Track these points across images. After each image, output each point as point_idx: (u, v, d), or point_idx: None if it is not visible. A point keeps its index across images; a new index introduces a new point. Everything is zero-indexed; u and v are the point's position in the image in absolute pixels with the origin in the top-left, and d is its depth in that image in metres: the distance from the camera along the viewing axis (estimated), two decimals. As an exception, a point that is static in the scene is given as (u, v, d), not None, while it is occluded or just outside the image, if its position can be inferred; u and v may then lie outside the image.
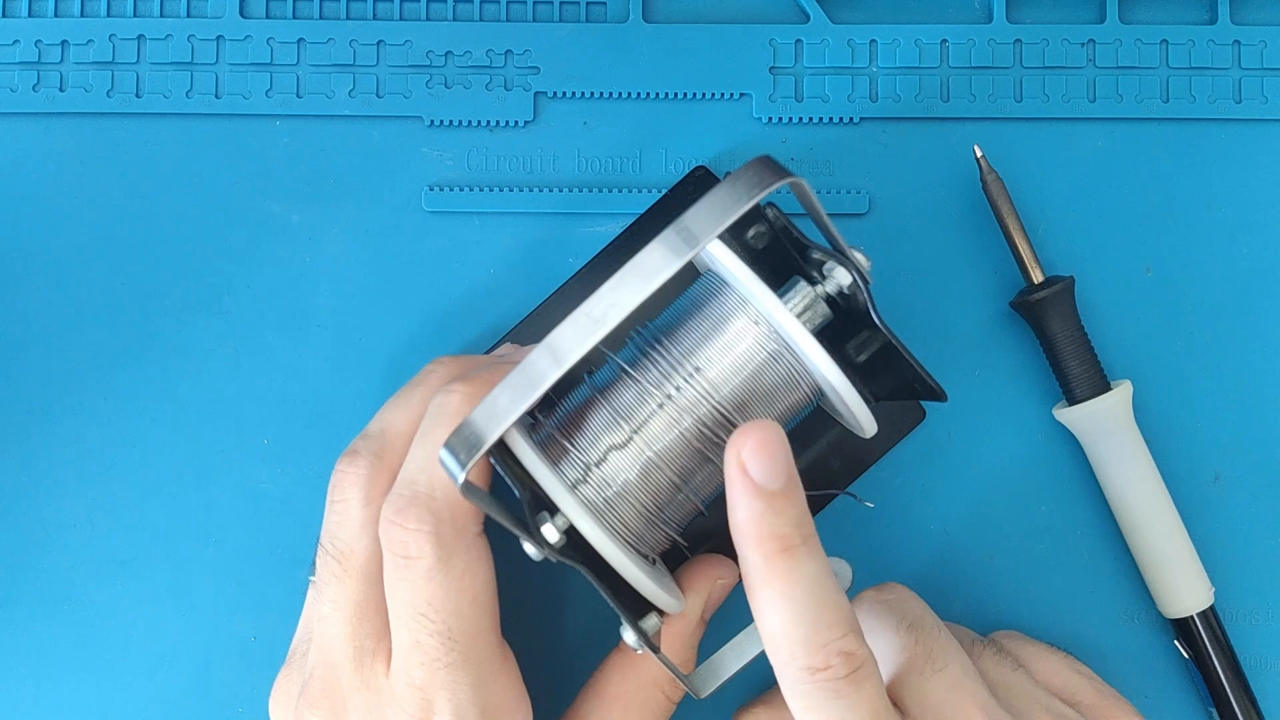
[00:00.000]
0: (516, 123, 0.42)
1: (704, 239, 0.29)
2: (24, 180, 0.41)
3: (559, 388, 0.30)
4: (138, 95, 0.41)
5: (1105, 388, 0.39)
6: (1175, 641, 0.40)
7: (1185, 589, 0.39)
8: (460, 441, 0.29)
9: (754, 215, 0.34)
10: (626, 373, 0.33)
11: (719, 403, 0.32)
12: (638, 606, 0.33)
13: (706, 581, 0.36)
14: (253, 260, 0.41)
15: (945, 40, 0.42)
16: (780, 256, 0.35)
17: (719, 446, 0.32)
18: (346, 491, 0.35)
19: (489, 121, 0.42)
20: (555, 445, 0.33)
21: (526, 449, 0.32)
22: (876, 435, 0.34)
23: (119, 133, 0.41)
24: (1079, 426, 0.40)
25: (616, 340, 0.31)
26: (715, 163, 0.41)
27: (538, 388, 0.29)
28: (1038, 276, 0.39)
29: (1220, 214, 0.41)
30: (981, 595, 0.40)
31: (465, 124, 0.42)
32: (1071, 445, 0.41)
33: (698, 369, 0.32)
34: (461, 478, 0.29)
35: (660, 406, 0.32)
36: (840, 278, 0.32)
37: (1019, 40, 0.42)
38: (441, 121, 0.41)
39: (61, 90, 0.41)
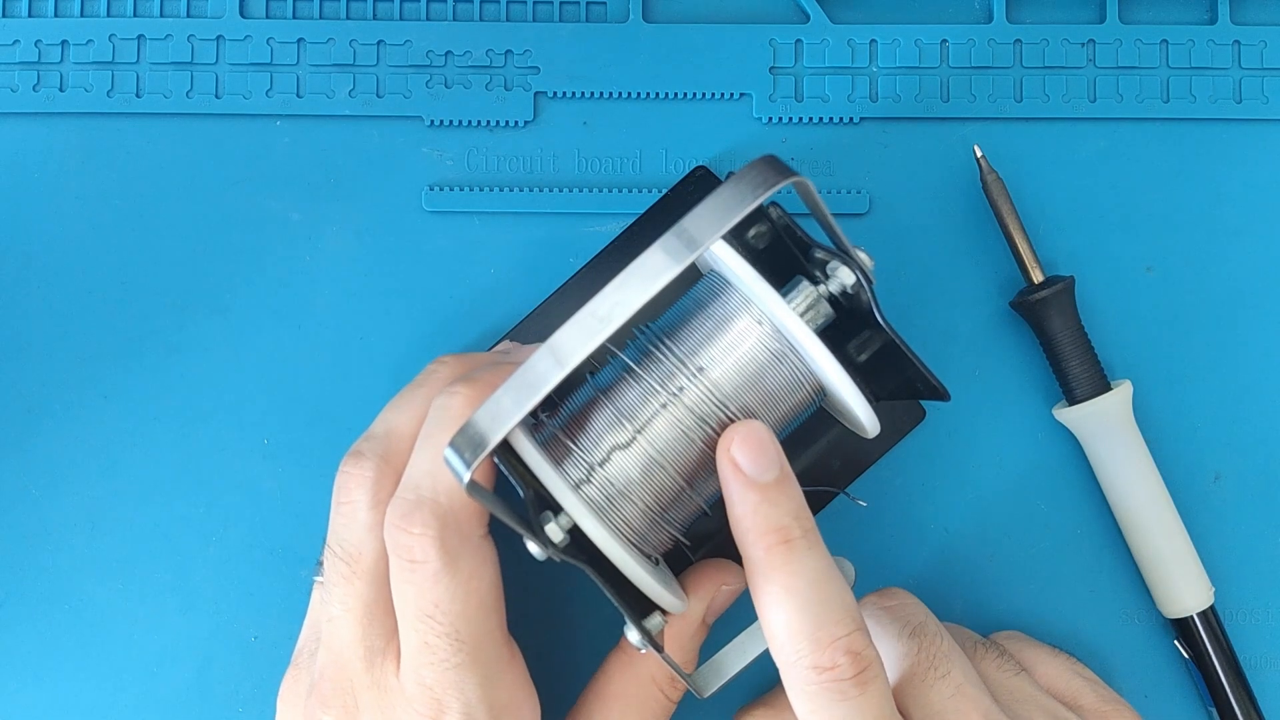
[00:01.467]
0: (516, 123, 0.42)
1: (708, 239, 0.29)
2: (24, 180, 0.41)
3: (562, 387, 0.30)
4: (138, 95, 0.41)
5: (1105, 388, 0.39)
6: (1175, 641, 0.40)
7: (1185, 589, 0.39)
8: (465, 442, 0.29)
9: (756, 214, 0.34)
10: (630, 372, 0.33)
11: (722, 402, 0.32)
12: (641, 606, 0.33)
13: (711, 585, 0.36)
14: (253, 260, 0.41)
15: (945, 40, 0.42)
16: (782, 256, 0.35)
17: (714, 445, 0.32)
18: (353, 493, 0.35)
19: (489, 121, 0.42)
20: (559, 445, 0.33)
21: (530, 449, 0.32)
22: (876, 435, 0.34)
23: (119, 133, 0.41)
24: (1079, 426, 0.40)
25: (619, 340, 0.31)
26: (715, 163, 0.41)
27: (542, 387, 0.29)
28: (1038, 276, 0.39)
29: (1220, 214, 0.41)
30: (982, 595, 0.40)
31: (465, 124, 0.42)
32: (1071, 445, 0.41)
33: (701, 369, 0.32)
34: (466, 478, 0.29)
35: (664, 406, 0.32)
36: (843, 277, 0.32)
37: (1019, 40, 0.42)
38: (441, 121, 0.41)
39: (61, 90, 0.41)
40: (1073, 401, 0.39)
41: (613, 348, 0.33)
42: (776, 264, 0.34)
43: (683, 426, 0.32)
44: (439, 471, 0.33)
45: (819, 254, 0.33)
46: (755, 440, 0.31)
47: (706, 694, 0.35)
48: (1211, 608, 0.39)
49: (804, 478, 0.38)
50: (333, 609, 0.35)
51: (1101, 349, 0.40)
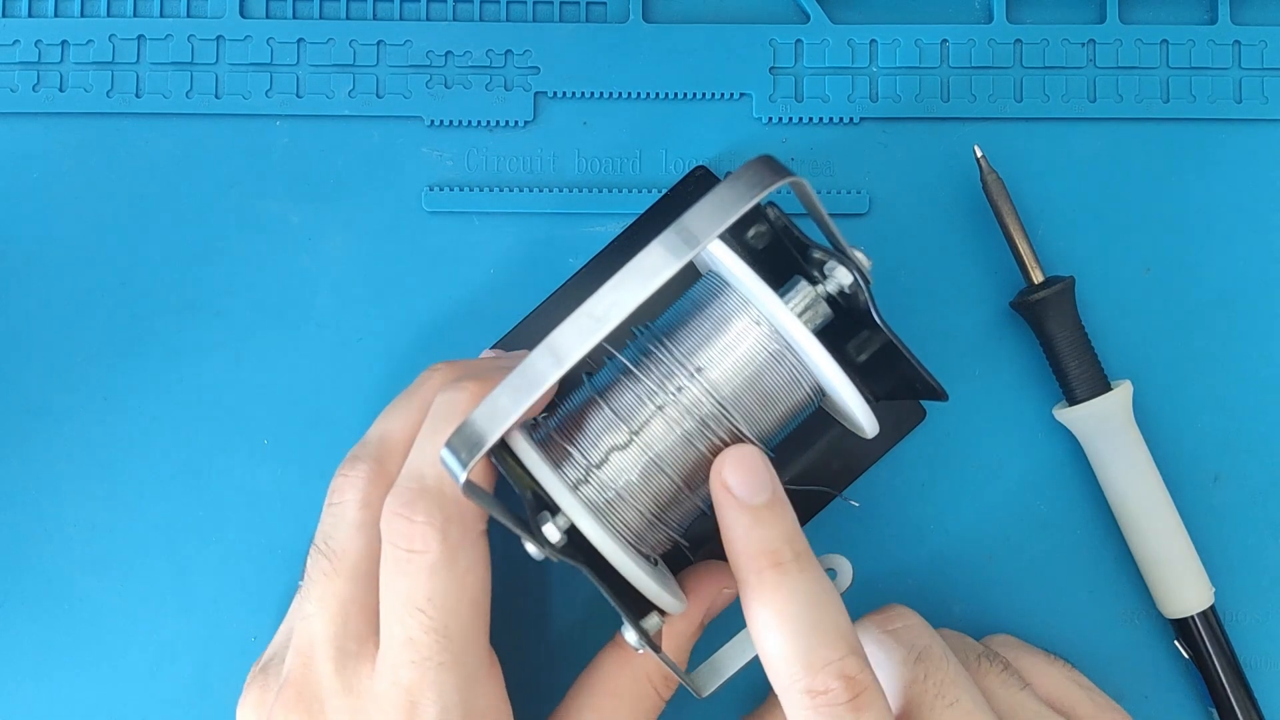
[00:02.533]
0: (516, 123, 0.42)
1: (705, 239, 0.29)
2: (24, 180, 0.41)
3: (560, 388, 0.30)
4: (138, 95, 0.41)
5: (1105, 388, 0.39)
6: (1175, 641, 0.40)
7: (1185, 589, 0.39)
8: (462, 441, 0.29)
9: (755, 214, 0.34)
10: (628, 373, 0.33)
11: (720, 403, 0.32)
12: (638, 606, 0.33)
13: (710, 587, 0.36)
14: (252, 260, 0.41)
15: (945, 40, 0.42)
16: (781, 256, 0.35)
17: (720, 447, 0.32)
18: (345, 494, 0.35)
19: (489, 121, 0.42)
20: (556, 446, 0.33)
21: (528, 449, 0.32)
22: (876, 435, 0.34)
23: (119, 133, 0.41)
24: (1079, 426, 0.40)
25: (617, 341, 0.31)
26: (715, 163, 0.41)
27: (539, 387, 0.29)
28: (1038, 276, 0.39)
29: (1220, 214, 0.41)
30: (981, 595, 0.40)
31: (465, 124, 0.42)
32: (1071, 445, 0.41)
33: (699, 369, 0.32)
34: (463, 477, 0.29)
35: (661, 407, 0.32)
36: (841, 277, 0.32)
37: (1019, 40, 0.42)
38: (441, 121, 0.41)
39: (61, 90, 0.41)
40: (1073, 401, 0.39)
41: (610, 348, 0.33)
42: (775, 264, 0.34)
43: (680, 428, 0.32)
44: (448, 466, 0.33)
45: (817, 254, 0.33)
46: (747, 463, 0.31)
47: (705, 693, 0.35)
48: (1211, 608, 0.39)
49: (803, 478, 0.38)
50: (308, 606, 0.34)
51: (1101, 349, 0.40)
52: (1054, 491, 0.41)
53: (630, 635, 0.32)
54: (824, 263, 0.33)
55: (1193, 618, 0.39)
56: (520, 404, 0.29)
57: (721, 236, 0.29)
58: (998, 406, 0.41)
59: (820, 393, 0.33)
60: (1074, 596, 0.40)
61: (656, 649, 0.33)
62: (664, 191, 0.41)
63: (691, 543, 0.36)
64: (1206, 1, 0.42)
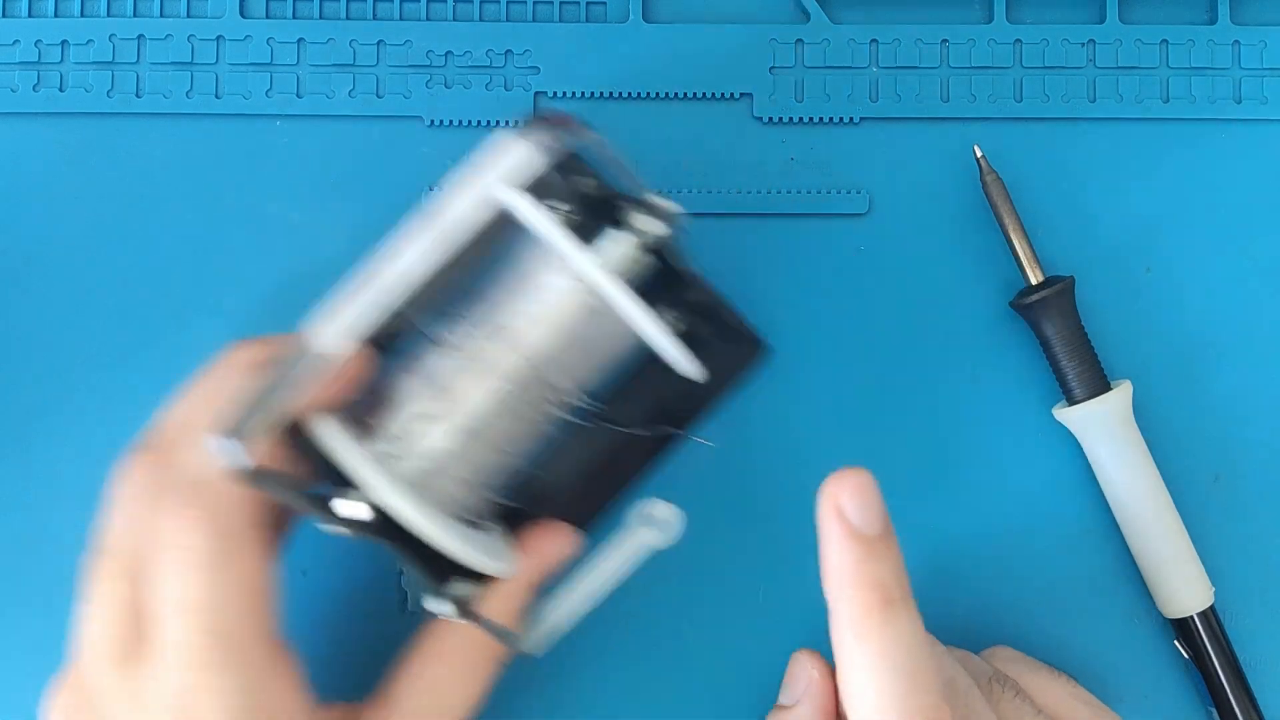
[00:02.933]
0: (516, 123, 0.42)
1: (494, 196, 0.28)
2: (24, 180, 0.41)
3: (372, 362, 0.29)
4: (138, 95, 0.41)
5: (1105, 388, 0.39)
6: (1175, 641, 0.40)
7: (1185, 589, 0.39)
8: (235, 426, 0.28)
9: (567, 169, 0.33)
10: (432, 338, 0.32)
11: (529, 357, 0.31)
12: (456, 573, 0.32)
13: (547, 548, 0.35)
14: (252, 260, 0.41)
15: (945, 40, 0.42)
16: (597, 209, 0.34)
17: (532, 404, 0.32)
18: (123, 486, 0.33)
19: (489, 121, 0.41)
20: (359, 420, 0.32)
21: (322, 426, 0.31)
22: (715, 375, 0.33)
23: (119, 133, 0.41)
24: (1079, 426, 0.40)
25: (421, 306, 0.30)
26: (715, 163, 0.41)
27: (318, 364, 0.28)
28: (1037, 276, 0.39)
29: (1220, 214, 0.41)
30: (981, 595, 0.40)
31: (465, 124, 0.42)
32: (1071, 445, 0.41)
33: (503, 325, 0.31)
34: (236, 463, 0.28)
35: (467, 366, 0.31)
36: (653, 227, 0.32)
37: (1019, 40, 0.42)
38: (441, 121, 0.41)
39: (61, 90, 0.41)
40: (1073, 401, 0.39)
41: (407, 315, 0.32)
42: (595, 217, 0.33)
43: (489, 386, 0.31)
44: (217, 455, 0.31)
45: (627, 205, 0.32)
46: (865, 490, 0.29)
47: (536, 652, 0.34)
48: (1211, 608, 0.39)
49: (645, 425, 0.37)
50: (89, 607, 0.33)
51: (1101, 349, 0.40)
52: (1054, 491, 0.41)
53: (441, 606, 0.31)
54: (636, 211, 0.32)
55: (1193, 618, 0.39)
56: (297, 383, 0.28)
57: (528, 190, 0.29)
58: (998, 406, 0.41)
59: (633, 338, 0.33)
60: (1074, 596, 0.40)
61: (470, 615, 0.31)
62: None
63: (530, 503, 0.34)
64: (1206, 1, 0.42)
